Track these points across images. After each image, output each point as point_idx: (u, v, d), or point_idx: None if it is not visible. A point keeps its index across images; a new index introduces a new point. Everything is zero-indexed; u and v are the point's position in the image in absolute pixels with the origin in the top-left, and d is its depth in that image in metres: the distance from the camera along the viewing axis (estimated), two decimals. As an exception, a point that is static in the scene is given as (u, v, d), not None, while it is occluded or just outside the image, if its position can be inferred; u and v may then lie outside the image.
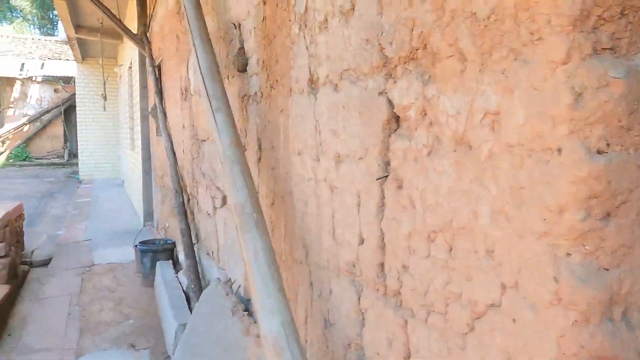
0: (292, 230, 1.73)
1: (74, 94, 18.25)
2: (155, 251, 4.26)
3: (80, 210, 8.44)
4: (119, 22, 5.24)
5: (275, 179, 1.87)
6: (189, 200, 3.74)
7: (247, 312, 2.17)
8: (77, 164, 16.40)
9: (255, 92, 2.03)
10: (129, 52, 8.23)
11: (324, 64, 1.41)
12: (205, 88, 1.99)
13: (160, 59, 4.74)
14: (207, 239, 3.20)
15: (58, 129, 19.50)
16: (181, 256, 4.14)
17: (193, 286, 3.16)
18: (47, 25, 31.56)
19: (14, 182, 13.64)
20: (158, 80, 4.81)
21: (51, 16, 31.80)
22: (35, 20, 31.00)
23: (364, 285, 1.25)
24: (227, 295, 2.31)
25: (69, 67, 19.75)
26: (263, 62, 1.92)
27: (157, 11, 4.73)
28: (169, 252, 4.34)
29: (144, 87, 6.73)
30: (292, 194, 1.70)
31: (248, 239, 1.52)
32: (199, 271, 3.35)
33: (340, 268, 1.38)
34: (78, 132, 13.31)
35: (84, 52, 11.92)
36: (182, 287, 3.50)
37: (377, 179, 1.15)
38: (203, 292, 2.59)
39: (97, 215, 7.97)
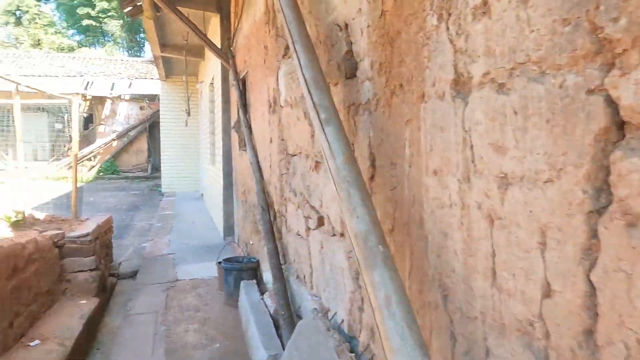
0: (421, 265, 1.42)
1: (158, 110, 19.26)
2: (239, 270, 4.12)
3: (164, 223, 8.65)
4: (204, 36, 5.25)
5: (395, 203, 1.58)
6: (275, 217, 3.54)
7: (354, 354, 1.88)
8: (159, 177, 17.15)
9: (368, 100, 1.76)
10: (211, 68, 8.38)
11: (481, 59, 1.10)
12: (311, 98, 1.74)
13: (245, 72, 4.65)
14: (297, 262, 2.97)
15: (143, 144, 20.61)
16: (266, 275, 3.96)
17: (283, 312, 2.93)
18: (134, 47, 33.81)
19: (104, 195, 14.46)
20: (242, 93, 4.73)
21: (138, 39, 34.06)
22: (124, 43, 33.33)
23: (553, 353, 0.92)
24: (329, 330, 2.03)
25: (153, 85, 20.90)
26: (380, 64, 1.64)
27: (243, 25, 4.65)
28: (252, 270, 4.17)
29: (226, 101, 6.75)
30: (423, 222, 1.39)
31: (376, 278, 1.23)
32: (288, 296, 3.12)
33: (506, 324, 1.05)
34: (161, 146, 13.89)
35: (167, 71, 12.44)
36: (269, 311, 3.29)
37: (588, 212, 0.82)
38: (299, 323, 2.34)
39: (179, 228, 8.11)
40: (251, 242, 4.48)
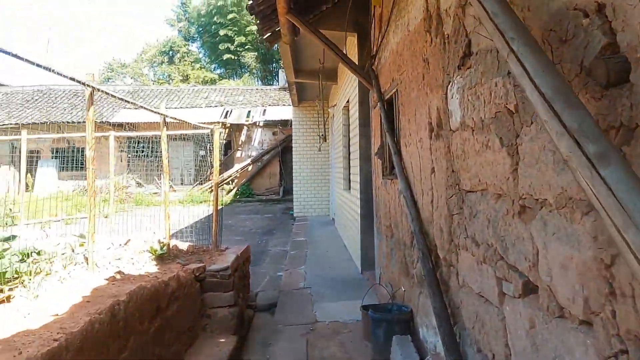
0: None
1: (290, 135, 19.85)
2: (390, 321, 3.52)
3: (298, 251, 8.45)
4: (344, 56, 4.87)
5: None
6: (438, 265, 2.89)
7: None
8: (291, 200, 17.46)
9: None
10: (346, 91, 8.08)
11: None
12: (559, 119, 1.10)
13: (391, 92, 4.12)
14: (479, 331, 2.27)
15: (275, 168, 21.37)
16: (423, 332, 3.31)
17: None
18: (268, 77, 35.86)
19: (240, 218, 15.05)
20: (388, 116, 4.20)
21: (271, 68, 36.09)
22: (259, 73, 35.52)
23: None
24: None
25: (285, 111, 21.67)
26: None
27: (390, 39, 4.15)
28: (405, 322, 3.55)
29: (364, 125, 6.32)
30: None
31: None
32: (464, 372, 2.43)
33: None
34: (293, 171, 14.05)
35: (300, 96, 12.57)
36: (434, 384, 2.63)
37: None
38: None
39: (314, 257, 7.81)
40: (402, 289, 3.86)
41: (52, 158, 20.47)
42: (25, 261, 2.64)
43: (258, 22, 5.21)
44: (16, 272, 2.51)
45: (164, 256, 4.38)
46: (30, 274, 2.62)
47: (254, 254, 8.73)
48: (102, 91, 3.29)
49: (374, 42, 4.94)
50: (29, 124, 19.71)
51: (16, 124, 20.19)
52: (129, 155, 21.16)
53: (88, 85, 3.10)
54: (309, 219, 13.12)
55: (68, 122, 20.22)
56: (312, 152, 13.59)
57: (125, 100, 3.75)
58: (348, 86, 7.71)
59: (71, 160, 19.54)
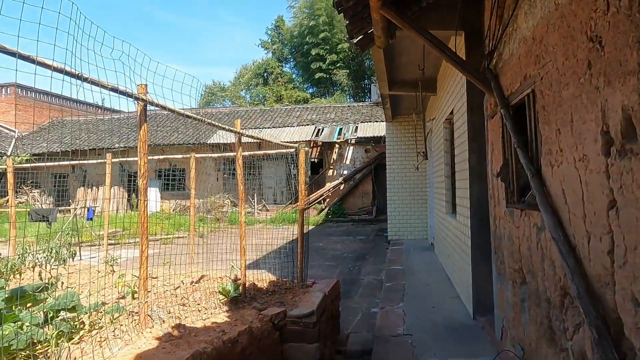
0: None
1: (382, 153, 18.94)
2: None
3: (394, 283, 7.47)
4: (453, 54, 3.93)
5: None
6: (627, 356, 1.83)
7: None
8: (384, 220, 16.47)
9: None
10: (449, 100, 7.06)
11: None
12: None
13: (522, 95, 3.11)
14: None
15: (368, 186, 20.53)
16: None
17: None
18: (359, 94, 35.39)
19: (331, 240, 14.37)
20: (517, 126, 3.20)
21: (362, 85, 35.60)
22: (350, 90, 35.17)
23: None
24: None
25: (378, 128, 20.84)
26: None
27: (519, 25, 3.16)
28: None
29: (474, 139, 5.28)
30: None
31: None
32: None
33: None
34: (387, 190, 13.09)
35: (394, 111, 11.68)
36: None
37: None
38: None
39: (413, 292, 6.79)
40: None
41: (156, 178, 21.51)
42: (52, 321, 2.07)
43: (347, 21, 4.46)
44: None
45: (238, 299, 3.71)
46: (59, 337, 2.03)
47: (345, 283, 7.91)
48: (157, 105, 2.72)
49: (491, 36, 3.95)
50: (136, 146, 20.99)
51: (125, 146, 21.54)
52: (225, 175, 21.61)
53: (141, 100, 2.52)
54: (405, 243, 12.05)
55: (170, 144, 21.15)
56: (408, 171, 12.57)
57: (186, 116, 3.17)
58: (451, 95, 6.70)
59: (172, 180, 20.37)
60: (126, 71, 2.32)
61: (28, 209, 11.10)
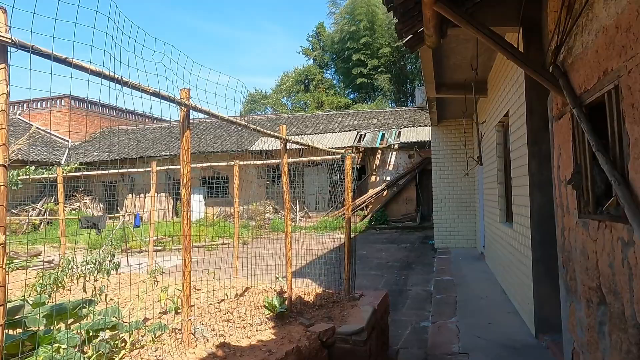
0: None
1: (427, 158, 18.43)
2: None
3: (444, 295, 7.10)
4: (514, 50, 3.61)
5: None
6: None
7: None
8: (429, 228, 15.99)
9: None
10: (502, 102, 6.65)
11: None
12: None
13: (601, 92, 2.77)
14: None
15: (412, 192, 20.03)
16: None
17: None
18: (401, 98, 34.86)
19: (375, 248, 14.03)
20: (595, 127, 2.85)
21: (405, 89, 35.06)
22: (392, 94, 34.69)
23: None
24: None
25: (422, 132, 20.34)
26: None
27: (596, 14, 2.83)
28: None
29: (534, 143, 4.89)
30: None
31: None
32: None
33: None
34: (433, 196, 12.66)
35: (440, 114, 11.28)
36: None
37: None
38: None
39: (465, 305, 6.41)
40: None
41: (200, 186, 21.85)
42: (92, 341, 1.93)
43: (397, 20, 4.22)
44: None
45: (284, 314, 3.52)
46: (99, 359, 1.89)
47: (391, 294, 7.57)
48: (201, 110, 2.57)
49: (558, 30, 3.60)
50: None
51: (170, 154, 22.00)
52: (267, 182, 21.68)
53: (184, 105, 2.37)
54: (452, 252, 11.57)
55: (214, 152, 21.43)
56: (455, 176, 12.10)
57: (231, 121, 3.01)
58: (506, 96, 6.31)
59: (216, 187, 20.61)
60: (168, 75, 2.18)
61: (79, 216, 11.40)
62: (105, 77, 1.81)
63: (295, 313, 3.70)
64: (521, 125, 5.26)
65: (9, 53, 1.49)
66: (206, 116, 2.85)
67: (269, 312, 3.48)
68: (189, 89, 2.39)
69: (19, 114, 26.28)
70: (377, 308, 4.56)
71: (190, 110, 2.47)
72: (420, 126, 21.27)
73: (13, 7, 1.47)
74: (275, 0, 75.89)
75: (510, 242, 6.46)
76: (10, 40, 1.48)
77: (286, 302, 3.65)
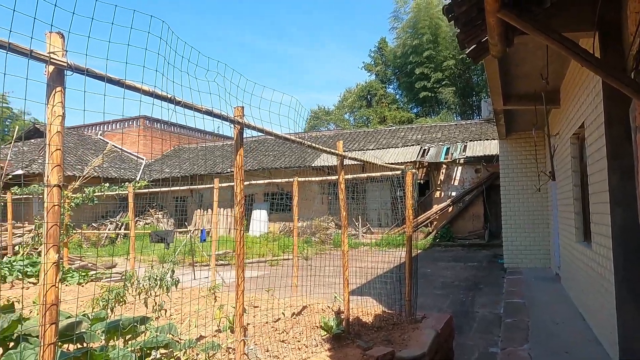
0: None
1: (494, 172, 17.64)
2: None
3: (515, 319, 6.64)
4: (592, 58, 3.33)
5: None
6: None
7: None
8: (498, 246, 15.21)
9: None
10: (577, 113, 6.21)
11: None
12: None
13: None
14: None
15: (479, 208, 19.24)
16: None
17: None
18: (467, 111, 33.87)
19: (439, 266, 13.54)
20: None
21: (470, 102, 34.05)
22: (457, 108, 33.80)
23: None
24: None
25: (489, 146, 19.55)
26: None
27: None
28: None
29: (614, 156, 4.49)
30: None
31: None
32: None
33: None
34: (502, 212, 12.02)
35: (509, 127, 10.76)
36: None
37: None
38: None
39: (539, 331, 5.95)
40: None
41: (264, 201, 22.29)
42: (145, 358, 1.94)
43: (458, 30, 4.05)
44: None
45: (341, 335, 3.40)
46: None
47: (457, 316, 7.20)
48: (255, 127, 2.57)
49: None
50: (246, 170, 22.04)
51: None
52: (329, 197, 21.71)
53: (237, 123, 2.38)
54: (523, 272, 10.89)
55: (277, 168, 21.82)
56: (525, 192, 11.45)
57: (285, 138, 2.99)
58: (581, 106, 5.88)
59: (279, 203, 20.93)
60: (222, 93, 2.19)
61: (150, 231, 11.97)
62: (158, 96, 1.84)
63: (353, 335, 3.58)
64: (599, 137, 4.85)
65: (65, 76, 1.55)
66: (261, 134, 2.85)
67: (326, 333, 3.38)
68: (243, 107, 2.40)
69: (100, 134, 28.30)
70: (441, 332, 4.32)
71: (245, 129, 2.48)
72: (487, 139, 20.48)
73: (69, 32, 1.53)
74: (336, 19, 77.03)
75: (588, 262, 5.95)
76: (66, 64, 1.54)
77: (343, 323, 3.54)
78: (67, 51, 1.54)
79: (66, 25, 1.51)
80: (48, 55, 1.53)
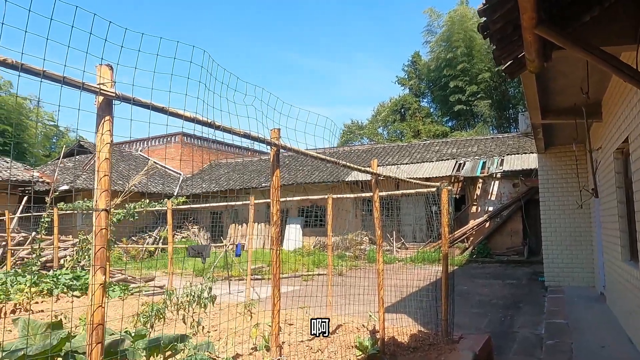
0: None
1: (533, 187, 17.17)
2: None
3: (557, 341, 6.40)
4: (629, 70, 3.24)
5: None
6: None
7: None
8: (537, 263, 14.73)
9: None
10: (621, 127, 6.01)
11: None
12: None
13: None
14: None
15: (517, 224, 18.72)
16: None
17: None
18: (504, 124, 33.21)
19: (476, 282, 13.20)
20: None
21: (507, 115, 33.38)
22: (493, 121, 33.19)
23: None
24: None
25: (528, 160, 19.06)
26: None
27: None
28: None
29: (661, 172, 4.31)
30: None
31: None
32: None
33: None
34: (542, 229, 11.65)
35: (547, 141, 10.48)
36: None
37: None
38: None
39: (583, 356, 5.70)
40: None
41: (298, 216, 22.42)
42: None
43: (494, 46, 4.02)
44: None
45: (376, 356, 3.38)
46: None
47: (495, 337, 6.99)
48: (290, 149, 2.62)
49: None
50: (280, 185, 22.24)
51: (270, 186, 22.86)
52: (363, 212, 21.62)
53: (273, 144, 2.44)
54: (566, 291, 10.49)
55: (311, 183, 21.93)
56: (567, 208, 11.07)
57: (320, 158, 3.03)
58: (625, 120, 5.69)
59: (314, 218, 20.99)
60: (259, 116, 2.26)
61: (187, 245, 12.23)
62: (199, 122, 1.93)
63: (388, 356, 3.54)
64: (644, 153, 4.68)
65: (113, 105, 1.65)
66: (297, 154, 2.90)
67: (361, 353, 3.36)
68: (279, 129, 2.46)
69: (140, 151, 29.27)
70: (479, 353, 4.22)
71: (280, 150, 2.54)
72: (525, 153, 19.98)
73: (118, 64, 1.63)
74: (370, 33, 77.37)
75: (635, 283, 5.69)
76: (115, 95, 1.63)
77: (378, 343, 3.51)
78: (115, 82, 1.65)
79: (112, 56, 1.62)
80: (98, 87, 1.63)
